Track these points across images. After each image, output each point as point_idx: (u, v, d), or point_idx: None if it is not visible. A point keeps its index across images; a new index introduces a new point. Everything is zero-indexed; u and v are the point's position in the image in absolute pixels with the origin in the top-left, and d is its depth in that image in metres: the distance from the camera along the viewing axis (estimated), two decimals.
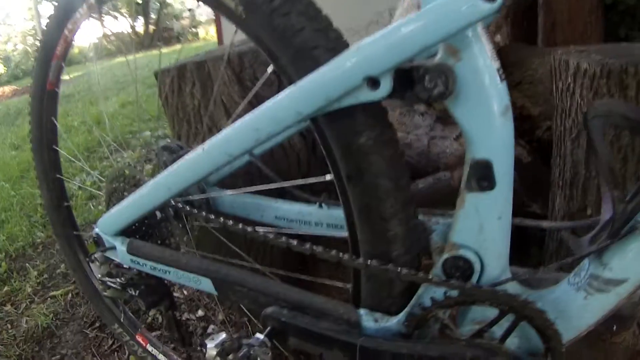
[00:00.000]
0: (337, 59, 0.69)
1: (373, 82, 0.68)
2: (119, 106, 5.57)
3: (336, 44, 0.73)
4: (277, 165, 1.29)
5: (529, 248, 1.71)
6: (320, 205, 1.04)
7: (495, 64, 0.68)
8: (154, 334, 1.75)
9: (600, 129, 0.68)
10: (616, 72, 1.07)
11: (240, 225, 0.89)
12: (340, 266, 1.40)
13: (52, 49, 1.25)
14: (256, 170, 1.20)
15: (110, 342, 1.80)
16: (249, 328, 1.71)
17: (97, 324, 1.90)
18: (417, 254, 0.83)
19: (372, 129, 0.74)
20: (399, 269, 0.76)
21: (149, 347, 1.52)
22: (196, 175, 0.90)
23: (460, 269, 0.77)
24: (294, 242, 0.84)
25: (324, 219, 1.04)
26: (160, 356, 1.50)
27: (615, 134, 1.05)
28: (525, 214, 1.75)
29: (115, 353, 1.75)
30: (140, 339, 1.53)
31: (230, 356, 0.83)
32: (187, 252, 1.19)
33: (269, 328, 0.87)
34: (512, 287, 0.77)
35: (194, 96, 1.31)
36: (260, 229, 0.89)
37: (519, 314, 0.73)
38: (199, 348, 1.32)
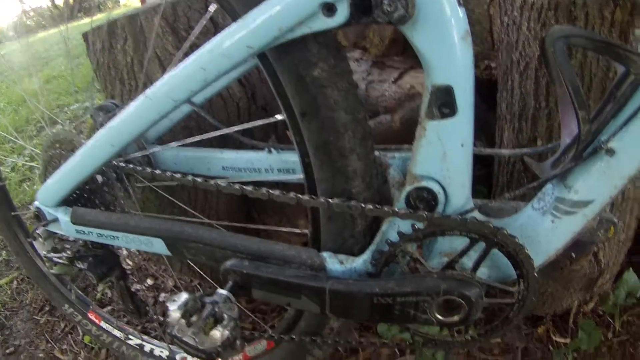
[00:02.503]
0: None
1: (329, 8, 0.63)
2: (44, 82, 5.28)
3: None
4: (217, 116, 1.23)
5: (473, 186, 1.71)
6: (270, 151, 1.00)
7: None
8: (105, 309, 1.69)
9: (563, 49, 0.66)
10: (564, 3, 1.06)
11: (190, 177, 0.83)
12: (287, 215, 1.38)
13: None
14: (195, 123, 1.14)
15: (62, 325, 1.72)
16: (201, 291, 1.67)
17: (46, 308, 1.81)
18: (377, 190, 0.80)
19: (326, 60, 0.70)
20: (363, 204, 0.73)
21: (103, 324, 1.45)
22: (141, 126, 0.83)
23: (424, 200, 0.74)
24: (249, 188, 0.80)
25: (274, 164, 1.00)
26: (116, 331, 1.44)
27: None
28: None
29: (69, 335, 1.68)
30: (93, 317, 1.46)
31: (195, 317, 0.78)
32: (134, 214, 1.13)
33: (230, 282, 0.83)
34: (478, 217, 0.75)
35: (127, 52, 1.22)
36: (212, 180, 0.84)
37: (489, 242, 0.72)
38: (154, 317, 1.28)
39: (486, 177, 1.57)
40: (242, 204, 1.45)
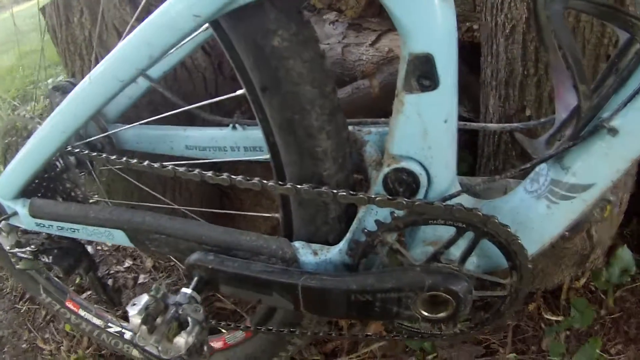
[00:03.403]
0: None
1: None
2: (18, 57, 5.02)
3: None
4: (182, 89, 1.12)
5: (457, 152, 1.57)
6: (234, 127, 0.88)
7: None
8: (84, 295, 1.59)
9: (560, 14, 0.55)
10: None
11: (146, 163, 0.72)
12: (267, 193, 1.28)
13: None
14: (160, 98, 1.03)
15: (43, 313, 1.62)
16: (180, 271, 1.57)
17: (27, 296, 1.70)
18: (351, 171, 0.70)
19: (287, 27, 0.58)
20: (335, 190, 0.62)
21: (82, 312, 1.35)
22: (89, 110, 0.73)
23: (404, 183, 0.64)
24: (209, 173, 0.69)
25: (240, 141, 0.88)
26: (95, 319, 1.34)
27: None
28: None
29: (51, 324, 1.58)
30: (71, 305, 1.36)
31: (158, 320, 0.69)
32: (96, 203, 1.03)
33: (195, 278, 0.73)
34: (465, 201, 0.65)
35: (84, 26, 1.10)
36: (170, 164, 0.73)
37: (478, 232, 0.61)
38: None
39: (471, 142, 1.46)
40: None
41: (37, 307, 1.65)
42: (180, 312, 0.69)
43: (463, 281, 0.63)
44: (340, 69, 1.40)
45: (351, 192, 0.62)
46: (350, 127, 0.73)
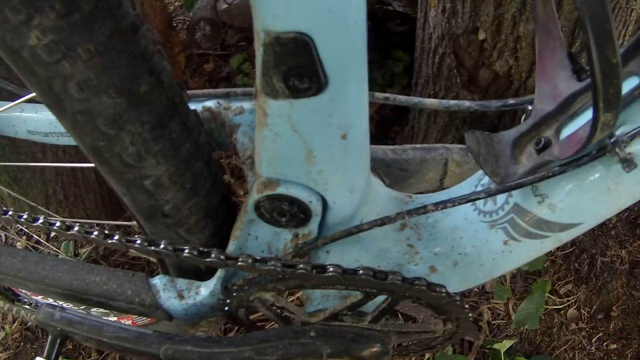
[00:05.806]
0: None
1: None
2: None
3: None
4: None
5: (391, 50, 1.27)
6: None
7: None
8: None
9: None
10: None
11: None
12: None
13: None
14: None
15: None
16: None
17: None
18: (214, 184, 0.45)
19: (46, 8, 0.29)
20: (171, 248, 0.37)
21: None
22: None
23: (286, 213, 0.40)
24: (24, 217, 0.42)
25: None
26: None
27: None
28: (385, 15, 1.27)
29: None
30: None
31: None
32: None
33: (49, 340, 0.51)
34: (385, 232, 0.42)
35: None
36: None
37: (396, 295, 0.38)
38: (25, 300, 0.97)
39: (408, 35, 1.14)
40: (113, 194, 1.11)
41: None
42: None
43: (375, 343, 0.41)
44: None
45: (201, 250, 0.37)
46: (212, 103, 0.45)
